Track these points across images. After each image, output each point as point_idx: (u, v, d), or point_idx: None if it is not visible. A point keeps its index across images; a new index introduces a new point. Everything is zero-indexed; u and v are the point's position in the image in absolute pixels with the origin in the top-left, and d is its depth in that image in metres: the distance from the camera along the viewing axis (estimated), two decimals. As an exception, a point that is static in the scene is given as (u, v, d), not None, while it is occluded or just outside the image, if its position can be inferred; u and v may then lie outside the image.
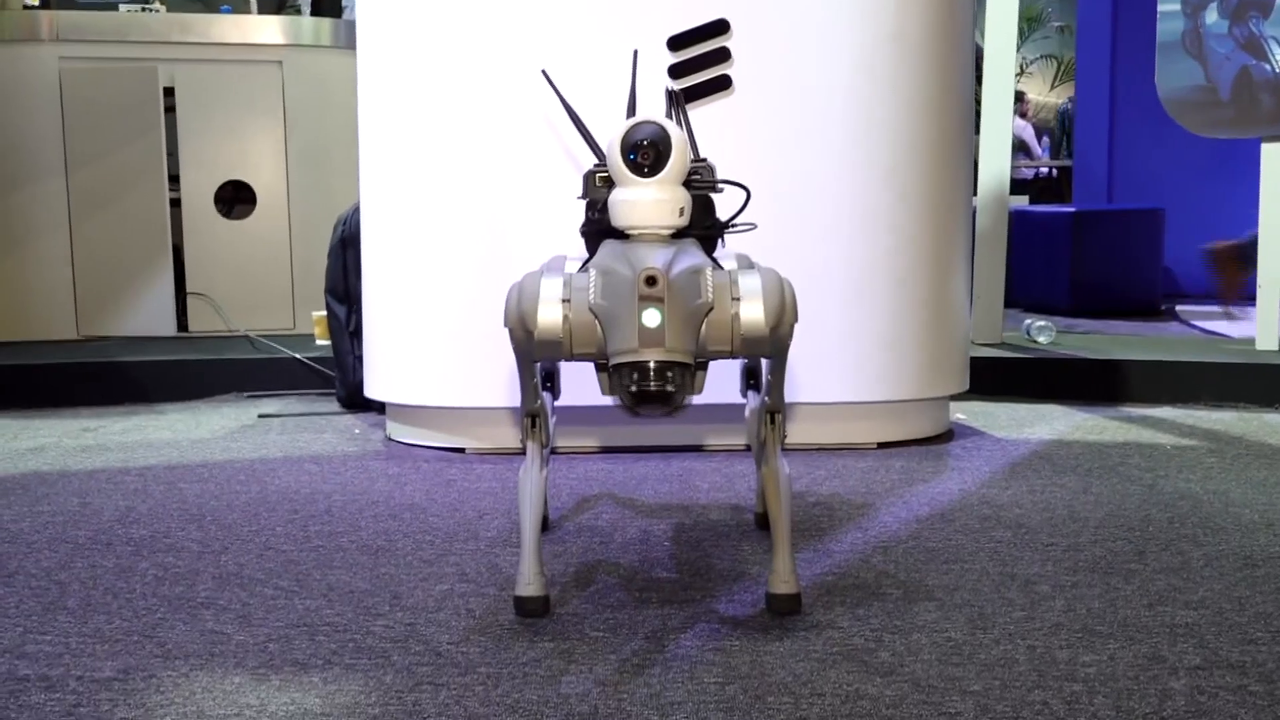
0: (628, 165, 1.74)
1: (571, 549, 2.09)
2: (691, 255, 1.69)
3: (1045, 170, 11.19)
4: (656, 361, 1.55)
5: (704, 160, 1.90)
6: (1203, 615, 1.73)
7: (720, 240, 1.95)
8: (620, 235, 1.78)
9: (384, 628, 1.71)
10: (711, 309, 1.61)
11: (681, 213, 1.75)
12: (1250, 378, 3.53)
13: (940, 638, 1.64)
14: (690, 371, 1.59)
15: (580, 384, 2.76)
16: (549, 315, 1.62)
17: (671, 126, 1.76)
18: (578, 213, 2.84)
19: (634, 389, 1.56)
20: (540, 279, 1.67)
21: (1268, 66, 3.78)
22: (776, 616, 1.73)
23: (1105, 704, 1.42)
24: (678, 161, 1.74)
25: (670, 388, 1.55)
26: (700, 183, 1.84)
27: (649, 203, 1.73)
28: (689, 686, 1.49)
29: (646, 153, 1.73)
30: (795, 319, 1.66)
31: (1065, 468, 2.70)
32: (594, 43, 2.76)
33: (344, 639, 1.67)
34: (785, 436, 1.84)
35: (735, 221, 1.90)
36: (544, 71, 2.10)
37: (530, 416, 1.84)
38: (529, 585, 1.75)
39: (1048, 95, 12.59)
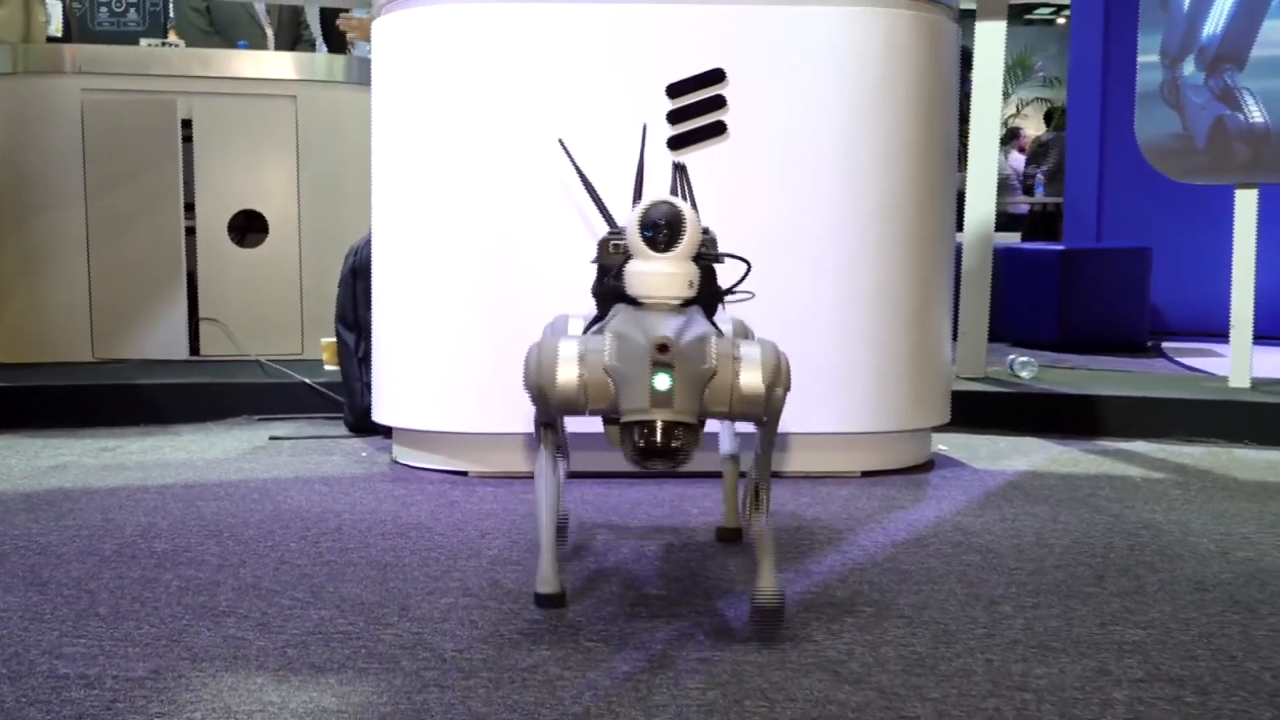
0: (645, 242, 1.89)
1: (568, 566, 2.23)
2: (699, 324, 1.85)
3: (1032, 208, 11.37)
4: (665, 421, 1.73)
5: (708, 231, 2.06)
6: (1150, 634, 1.87)
7: (721, 305, 2.11)
8: (631, 300, 1.94)
9: (393, 636, 1.85)
10: (715, 374, 1.78)
11: (691, 285, 1.90)
12: (1222, 414, 3.68)
13: (906, 651, 1.78)
14: (695, 431, 1.76)
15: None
16: (566, 375, 1.81)
17: (685, 207, 1.91)
18: (580, 248, 3.02)
19: (643, 444, 1.73)
20: (558, 343, 1.85)
21: (1241, 117, 3.95)
22: (758, 628, 1.88)
23: (1051, 711, 1.56)
24: (690, 239, 1.89)
25: (675, 444, 1.73)
26: (708, 255, 2.00)
27: (663, 276, 1.88)
28: (673, 691, 1.62)
29: (663, 231, 1.88)
30: (788, 386, 1.82)
31: (1038, 498, 2.84)
32: (599, 86, 2.92)
33: (356, 646, 1.80)
34: (770, 512, 1.96)
35: (735, 289, 2.09)
36: (560, 141, 2.28)
37: (544, 426, 2.03)
38: (547, 583, 1.93)
39: (1044, 133, 12.81)
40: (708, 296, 2.02)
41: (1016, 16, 13.31)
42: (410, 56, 3.05)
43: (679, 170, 2.32)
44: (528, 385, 1.86)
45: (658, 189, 2.22)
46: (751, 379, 1.79)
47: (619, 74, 2.93)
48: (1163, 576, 2.19)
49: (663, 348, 1.74)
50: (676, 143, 2.94)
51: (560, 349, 1.83)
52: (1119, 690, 1.64)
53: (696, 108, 2.95)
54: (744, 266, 2.08)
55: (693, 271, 1.90)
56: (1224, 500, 2.84)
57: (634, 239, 1.91)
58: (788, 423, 2.98)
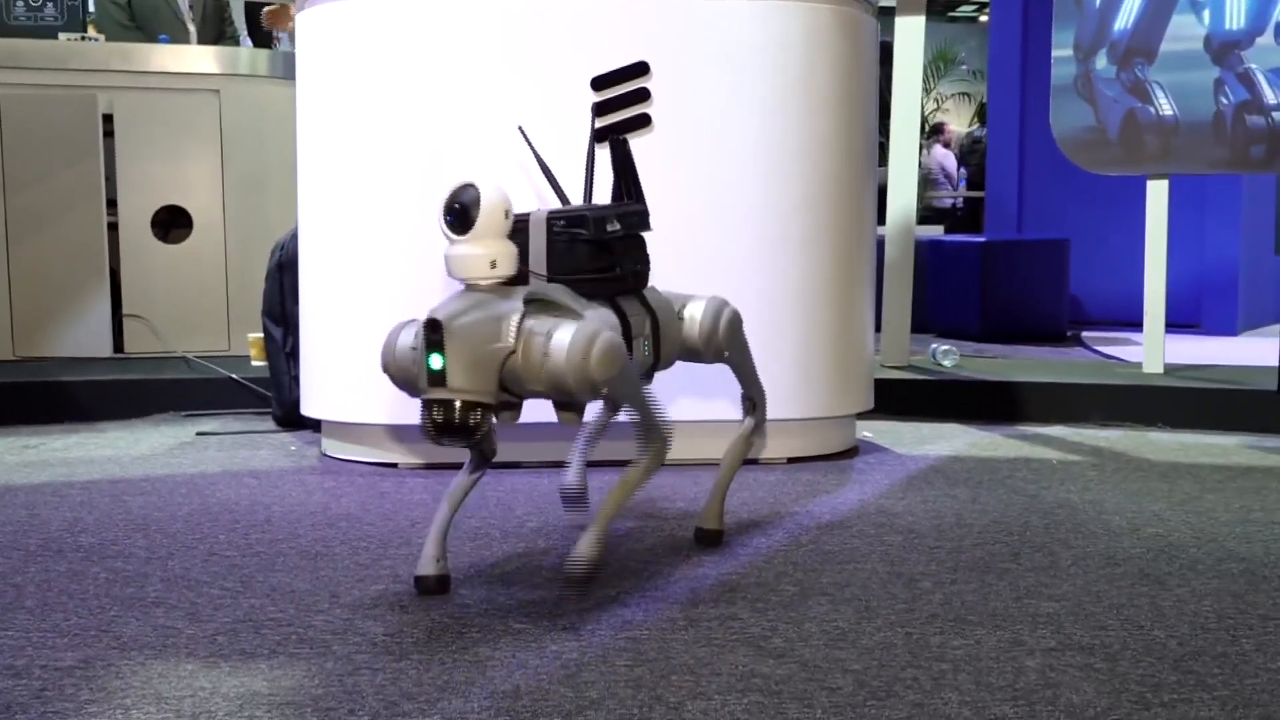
0: (446, 226, 1.91)
1: (498, 551, 2.25)
2: (496, 304, 1.87)
3: (957, 201, 11.55)
4: (440, 400, 1.80)
5: (625, 205, 2.12)
6: (1063, 606, 1.93)
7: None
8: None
9: (324, 622, 1.86)
10: (512, 352, 1.85)
11: (494, 265, 1.89)
12: (1137, 399, 3.78)
13: (829, 626, 1.83)
14: (482, 409, 1.82)
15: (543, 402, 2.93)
16: (389, 358, 1.98)
17: (487, 191, 1.89)
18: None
19: (428, 423, 1.83)
20: (400, 329, 1.98)
21: (1151, 109, 4.06)
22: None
23: (968, 679, 1.62)
24: (486, 221, 1.88)
25: (456, 421, 1.81)
26: (561, 233, 2.05)
27: (460, 258, 1.90)
28: (601, 668, 1.66)
29: (456, 215, 1.89)
30: (605, 371, 1.87)
31: (958, 480, 2.91)
32: (524, 78, 2.94)
33: (287, 632, 1.82)
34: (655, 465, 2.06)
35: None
36: (520, 128, 2.31)
37: None
38: (424, 566, 2.00)
39: (967, 127, 13.02)
40: (600, 274, 2.06)
41: (939, 12, 13.51)
42: (334, 49, 3.05)
43: (620, 145, 2.34)
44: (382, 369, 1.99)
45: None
46: (556, 359, 1.84)
47: (544, 66, 2.95)
48: (1076, 552, 2.26)
49: (432, 327, 1.79)
50: (603, 134, 2.96)
51: (400, 334, 1.96)
52: (1031, 659, 1.70)
53: (622, 100, 2.97)
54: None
55: (497, 252, 1.89)
56: (1137, 480, 2.93)
57: (439, 226, 1.92)
58: (711, 410, 3.03)
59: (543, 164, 2.28)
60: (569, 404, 1.97)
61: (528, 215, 2.05)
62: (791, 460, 3.10)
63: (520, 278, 1.95)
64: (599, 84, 2.97)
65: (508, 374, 1.86)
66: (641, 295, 2.16)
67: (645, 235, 2.23)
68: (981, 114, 12.88)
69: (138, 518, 2.52)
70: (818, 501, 2.68)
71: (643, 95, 2.99)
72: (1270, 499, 2.74)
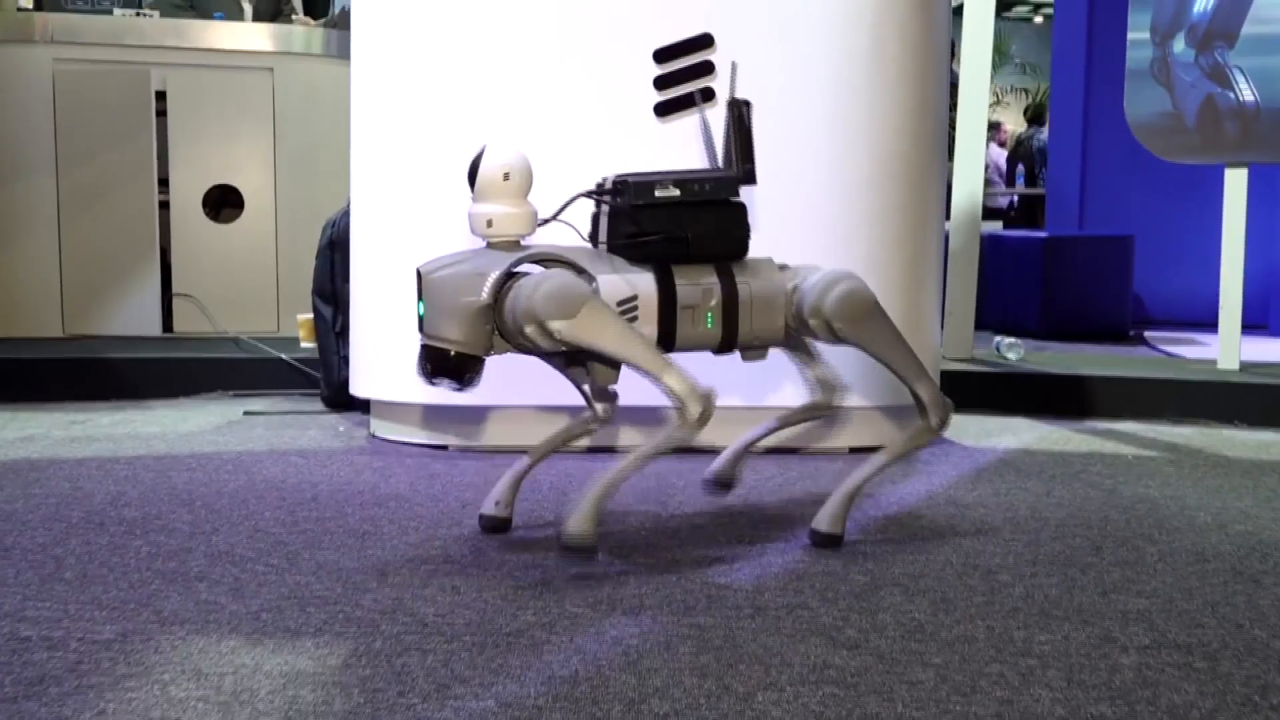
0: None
1: (552, 536, 2.16)
2: (486, 260, 1.98)
3: (1013, 199, 11.36)
4: (423, 344, 1.97)
5: (700, 171, 2.10)
6: (1154, 603, 1.82)
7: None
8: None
9: (372, 601, 1.78)
10: (490, 306, 1.95)
11: (489, 224, 2.02)
12: (1211, 395, 3.64)
13: (904, 618, 1.73)
14: (449, 356, 1.96)
15: (565, 382, 2.84)
16: None
17: (489, 152, 2.03)
18: (566, 214, 2.93)
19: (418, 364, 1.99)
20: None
21: (1231, 95, 3.91)
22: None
23: (1058, 676, 1.51)
24: (484, 182, 2.02)
25: (431, 365, 1.97)
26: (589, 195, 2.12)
27: (468, 216, 2.05)
28: (664, 655, 1.56)
29: (469, 175, 2.04)
30: (549, 310, 1.89)
31: (1029, 473, 2.79)
32: (585, 50, 2.85)
33: (334, 610, 1.73)
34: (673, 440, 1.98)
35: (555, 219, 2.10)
36: (733, 63, 2.23)
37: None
38: (485, 504, 2.11)
39: (1024, 130, 12.82)
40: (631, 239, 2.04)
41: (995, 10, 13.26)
42: (392, 16, 2.97)
43: (735, 107, 2.18)
44: None
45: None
46: (509, 304, 1.93)
47: (605, 38, 2.85)
48: (1162, 548, 2.14)
49: (417, 276, 1.98)
50: (664, 109, 2.87)
51: None
52: (1126, 656, 1.58)
53: (684, 73, 2.88)
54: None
55: (493, 212, 2.01)
56: (1218, 477, 2.80)
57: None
58: (772, 398, 2.93)
59: (706, 131, 2.23)
60: (441, 372, 1.99)
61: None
62: (854, 450, 2.99)
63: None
64: (661, 56, 2.89)
65: (500, 327, 1.97)
66: (721, 265, 2.06)
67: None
68: (1029, 113, 12.67)
69: (182, 493, 2.45)
70: (884, 491, 2.57)
71: (706, 69, 2.91)
72: (1363, 498, 2.60)
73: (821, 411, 2.34)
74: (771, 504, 2.45)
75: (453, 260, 2.01)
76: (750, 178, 2.14)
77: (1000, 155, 12.42)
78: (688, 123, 2.87)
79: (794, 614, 1.74)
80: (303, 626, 1.66)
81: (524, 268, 2.00)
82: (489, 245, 2.03)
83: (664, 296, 2.02)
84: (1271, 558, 2.09)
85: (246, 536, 2.13)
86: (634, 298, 2.02)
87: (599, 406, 2.20)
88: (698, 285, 2.04)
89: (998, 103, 12.52)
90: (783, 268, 2.15)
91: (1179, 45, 3.98)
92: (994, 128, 12.52)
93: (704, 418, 1.93)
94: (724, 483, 2.37)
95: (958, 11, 3.77)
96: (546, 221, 2.08)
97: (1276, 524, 2.34)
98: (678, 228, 2.05)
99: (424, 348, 1.98)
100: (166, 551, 2.02)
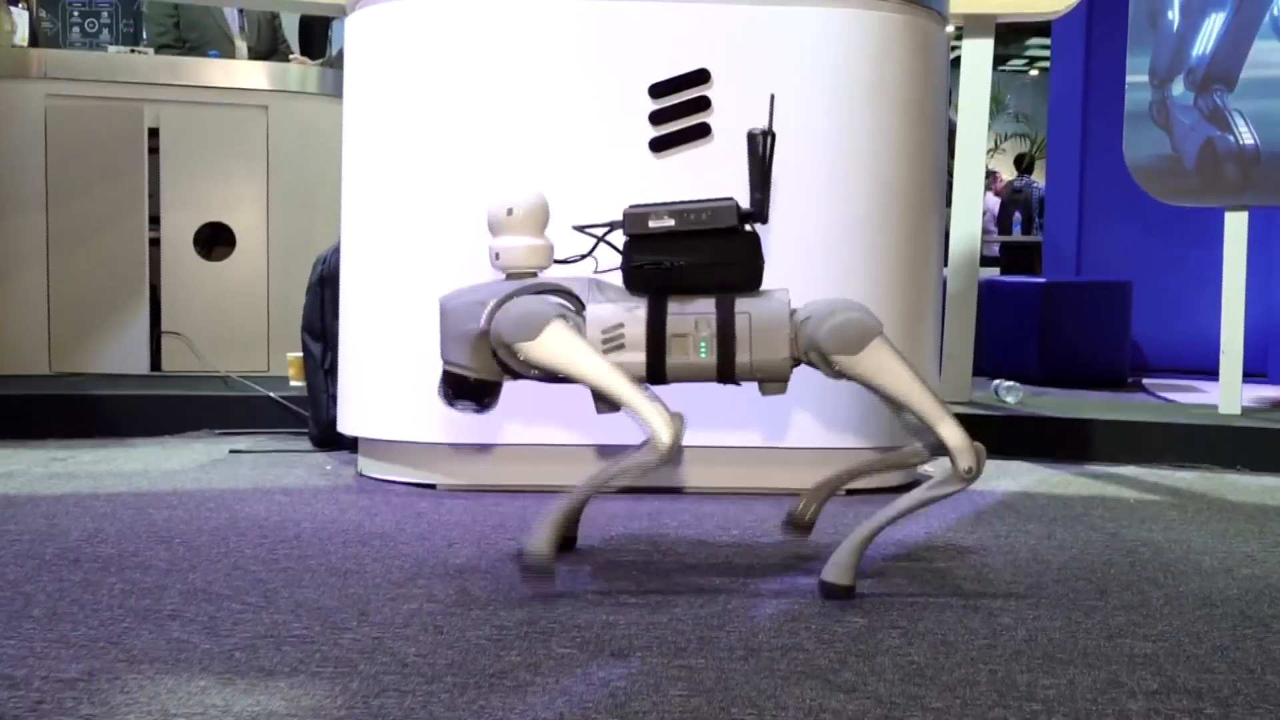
0: None
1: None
2: (493, 291, 2.06)
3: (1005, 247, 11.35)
4: (441, 370, 2.11)
5: (703, 200, 2.06)
6: (1161, 647, 1.75)
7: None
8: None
9: (351, 640, 1.71)
10: (487, 332, 2.03)
11: (497, 257, 2.14)
12: (1213, 440, 3.59)
13: (903, 661, 1.66)
14: (468, 380, 2.08)
15: (557, 422, 2.79)
16: None
17: (498, 193, 2.17)
18: (560, 251, 2.91)
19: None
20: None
21: (1231, 138, 3.89)
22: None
23: (1064, 722, 1.44)
24: (490, 218, 2.16)
25: (443, 389, 2.12)
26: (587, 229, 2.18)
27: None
28: (654, 698, 1.50)
29: None
30: (513, 334, 1.98)
31: (1030, 516, 2.73)
32: (580, 85, 2.82)
33: (311, 650, 1.67)
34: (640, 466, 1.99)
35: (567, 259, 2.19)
36: (771, 96, 2.14)
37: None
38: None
39: (1017, 178, 12.85)
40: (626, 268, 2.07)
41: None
42: (385, 52, 2.95)
43: (753, 138, 2.11)
44: None
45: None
46: (495, 338, 2.02)
47: (601, 73, 2.83)
48: (1168, 592, 2.08)
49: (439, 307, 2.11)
50: (659, 144, 2.84)
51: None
52: (1134, 701, 1.52)
53: (680, 109, 2.85)
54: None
55: (500, 246, 2.14)
56: (1222, 521, 2.74)
57: None
58: (772, 437, 2.88)
59: (760, 161, 2.13)
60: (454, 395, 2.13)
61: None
62: (851, 492, 2.92)
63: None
64: (657, 92, 2.86)
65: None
66: (722, 295, 2.01)
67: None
68: (1021, 162, 12.70)
69: (161, 530, 2.39)
70: (882, 534, 2.49)
71: (702, 104, 2.88)
72: (1372, 543, 2.54)
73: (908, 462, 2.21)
74: (766, 545, 2.39)
75: (468, 291, 2.10)
76: (758, 209, 2.06)
77: (995, 203, 12.43)
78: (684, 157, 2.83)
79: (789, 656, 1.67)
80: (278, 666, 1.60)
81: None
82: (507, 277, 2.13)
83: (653, 325, 1.99)
84: (1281, 602, 2.03)
85: (224, 574, 2.06)
86: (620, 325, 2.01)
87: None
88: (690, 315, 2.00)
89: (995, 149, 12.57)
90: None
91: (1178, 88, 3.97)
92: (990, 176, 12.55)
93: (672, 446, 1.91)
94: (800, 525, 2.19)
95: (955, 64, 3.75)
96: (576, 259, 2.17)
97: (1284, 568, 2.28)
98: (666, 257, 2.02)
99: (444, 373, 2.10)
100: (140, 589, 1.96)
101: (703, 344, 1.99)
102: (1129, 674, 1.63)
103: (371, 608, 1.88)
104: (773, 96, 2.14)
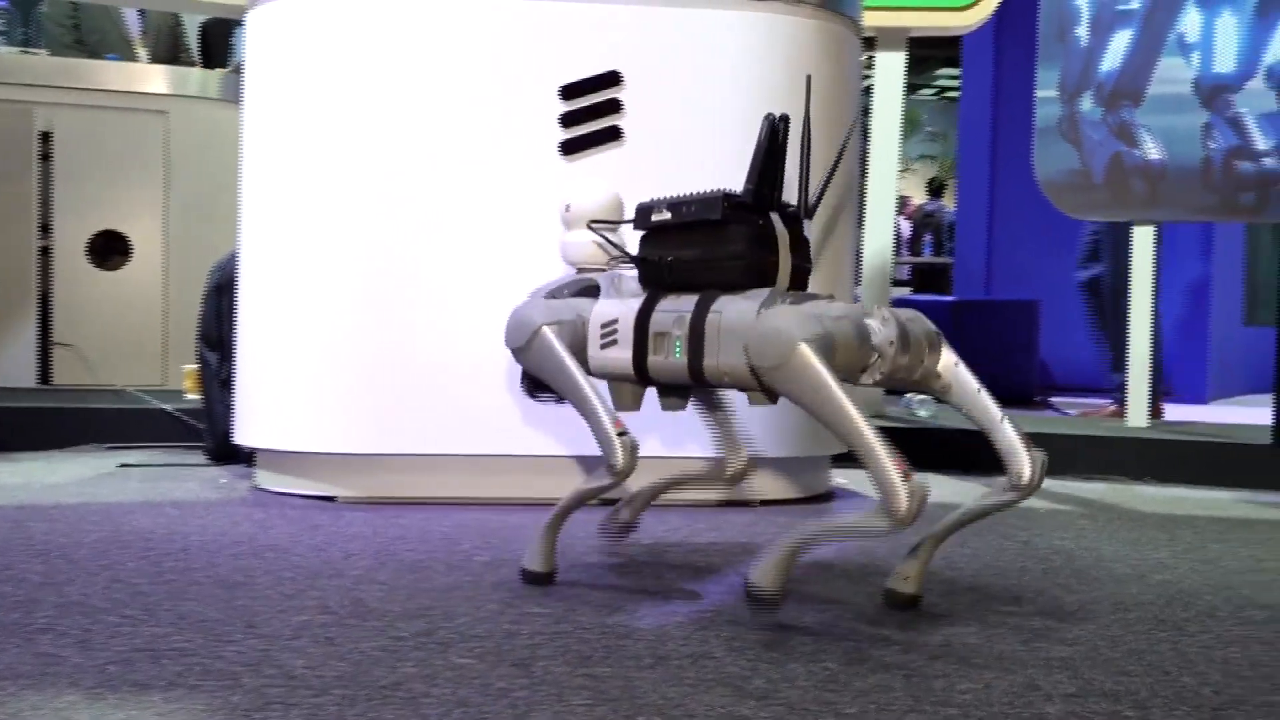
0: None
1: (441, 583, 2.01)
2: (549, 285, 2.12)
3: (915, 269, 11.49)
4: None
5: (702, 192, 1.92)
6: (1077, 651, 1.72)
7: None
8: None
9: (235, 653, 1.61)
10: None
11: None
12: (1123, 451, 3.60)
13: (816, 667, 1.60)
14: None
15: (463, 432, 2.71)
16: None
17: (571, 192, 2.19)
18: (465, 258, 2.84)
19: None
20: None
21: (1138, 153, 3.93)
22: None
23: (981, 726, 1.39)
24: (560, 217, 2.18)
25: (528, 383, 2.12)
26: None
27: None
28: (556, 708, 1.42)
29: None
30: (510, 339, 2.07)
31: (943, 526, 2.70)
32: (488, 85, 2.75)
33: (190, 663, 1.56)
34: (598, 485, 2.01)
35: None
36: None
37: None
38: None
39: (928, 202, 13.02)
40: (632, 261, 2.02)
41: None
42: (286, 51, 2.85)
43: (770, 121, 1.91)
44: None
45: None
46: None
47: (510, 74, 2.76)
48: (1081, 598, 2.05)
49: None
50: (570, 147, 2.78)
51: None
52: (1051, 705, 1.47)
53: (591, 111, 2.79)
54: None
55: (561, 241, 2.18)
56: (1133, 529, 2.73)
57: None
58: (683, 448, 2.81)
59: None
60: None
61: None
62: (765, 502, 2.88)
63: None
64: (568, 93, 2.80)
65: None
66: (706, 292, 1.86)
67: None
68: (932, 185, 12.87)
69: (39, 543, 2.25)
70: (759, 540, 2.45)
71: (614, 107, 2.82)
72: (1279, 549, 2.55)
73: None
74: (677, 555, 2.33)
75: (544, 285, 2.13)
76: (752, 197, 1.85)
77: (907, 227, 12.58)
78: (595, 160, 2.77)
79: (698, 664, 1.61)
80: (153, 680, 1.49)
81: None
82: (578, 272, 2.16)
83: (639, 322, 1.91)
84: (1194, 606, 2.01)
85: (103, 587, 1.94)
86: (615, 321, 1.95)
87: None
88: (672, 312, 1.88)
89: (905, 170, 12.72)
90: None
91: (1087, 103, 4.00)
92: (901, 200, 12.70)
93: (623, 467, 1.88)
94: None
95: (868, 91, 3.75)
96: (614, 259, 2.13)
97: (1195, 574, 2.27)
98: (664, 252, 1.93)
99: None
100: (11, 603, 1.83)
101: (678, 343, 1.86)
102: (1045, 678, 1.58)
103: (259, 619, 1.78)
104: (809, 77, 2.06)
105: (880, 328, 1.76)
